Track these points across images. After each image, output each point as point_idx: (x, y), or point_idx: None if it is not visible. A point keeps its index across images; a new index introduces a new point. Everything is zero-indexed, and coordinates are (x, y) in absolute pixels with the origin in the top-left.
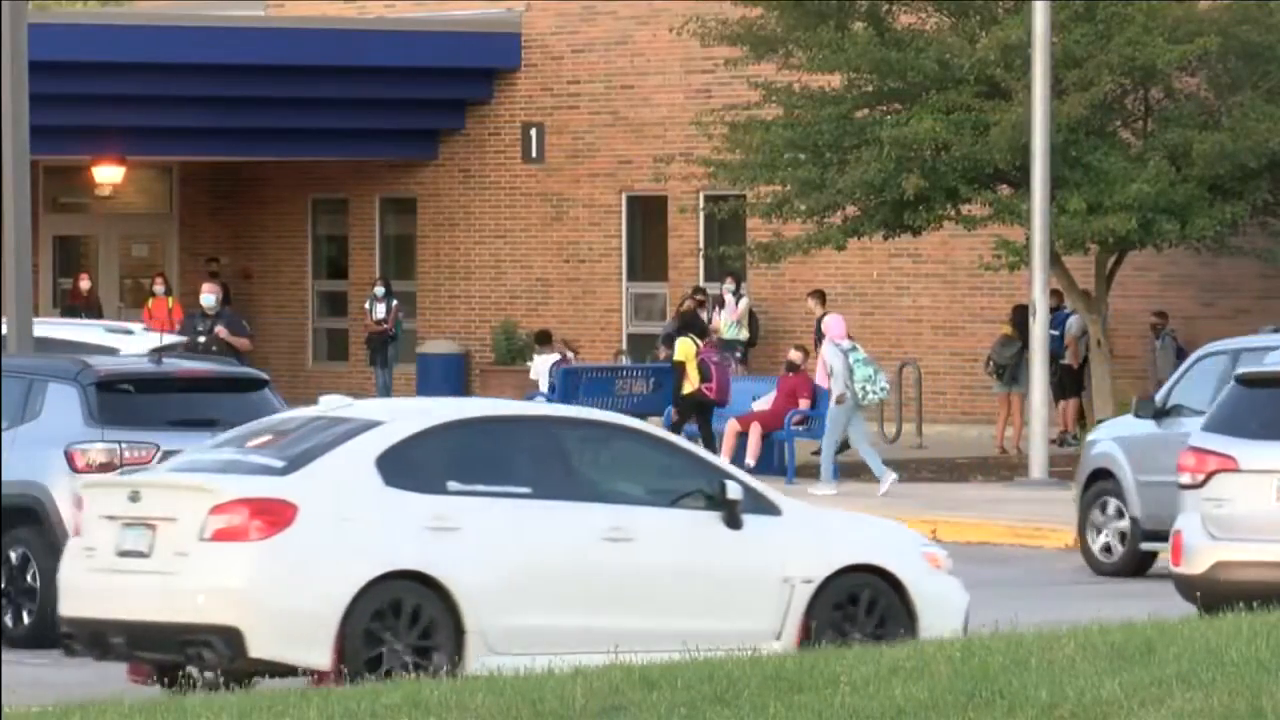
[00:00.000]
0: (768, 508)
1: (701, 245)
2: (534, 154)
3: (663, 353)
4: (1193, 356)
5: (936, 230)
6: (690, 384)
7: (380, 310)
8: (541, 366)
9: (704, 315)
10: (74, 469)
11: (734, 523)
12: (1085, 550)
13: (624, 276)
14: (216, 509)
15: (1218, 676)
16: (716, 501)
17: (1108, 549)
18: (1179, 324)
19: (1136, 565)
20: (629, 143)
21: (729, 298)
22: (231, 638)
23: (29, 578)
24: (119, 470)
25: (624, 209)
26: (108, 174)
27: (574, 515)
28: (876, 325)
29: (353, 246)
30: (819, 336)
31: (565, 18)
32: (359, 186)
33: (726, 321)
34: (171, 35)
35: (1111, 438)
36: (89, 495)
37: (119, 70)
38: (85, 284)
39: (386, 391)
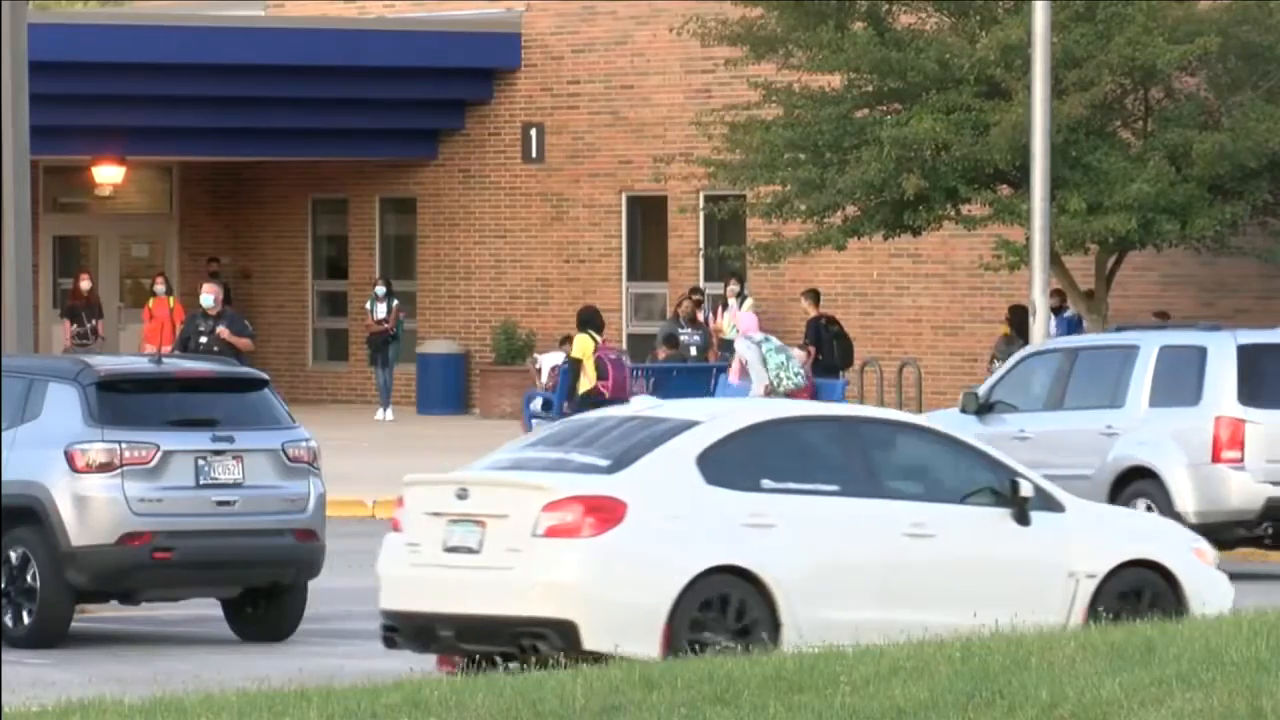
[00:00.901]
0: (1053, 505)
1: (701, 245)
2: (534, 154)
3: (662, 353)
4: (1018, 355)
5: (936, 230)
6: (587, 381)
7: (381, 310)
8: (546, 363)
9: (701, 315)
10: (74, 469)
11: (1024, 519)
12: None
13: (624, 276)
14: (550, 506)
15: (1218, 676)
16: (1005, 498)
17: None
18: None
19: None
20: (629, 143)
21: (732, 300)
22: (567, 631)
23: (29, 578)
24: (118, 470)
25: (624, 209)
26: (108, 174)
27: (878, 512)
28: (876, 325)
29: (353, 246)
30: (809, 336)
31: (565, 18)
32: (359, 186)
33: (729, 323)
34: (171, 35)
35: None
36: (410, 493)
37: (119, 70)
38: (85, 284)
39: (386, 392)
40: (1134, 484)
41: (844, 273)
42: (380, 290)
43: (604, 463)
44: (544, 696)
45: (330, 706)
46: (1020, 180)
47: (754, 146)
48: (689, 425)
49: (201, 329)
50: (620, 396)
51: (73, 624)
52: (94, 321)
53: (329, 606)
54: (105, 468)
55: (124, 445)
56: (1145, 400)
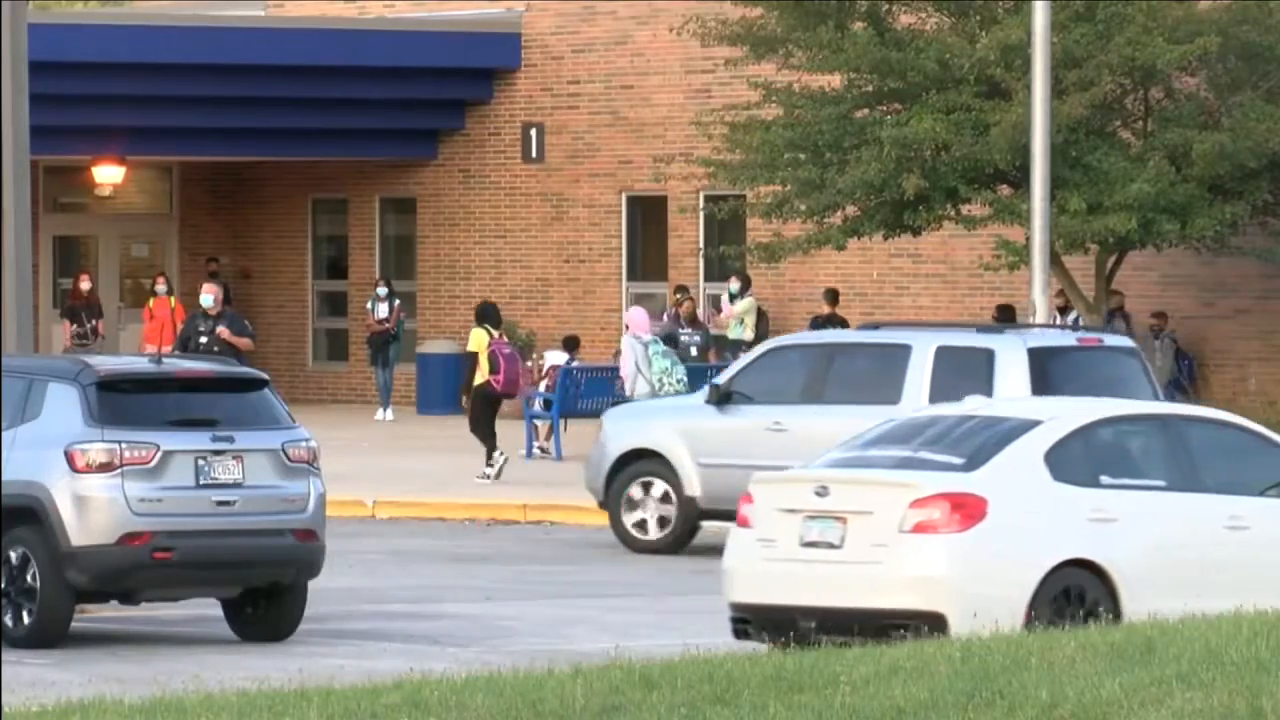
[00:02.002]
0: None
1: (701, 245)
2: (534, 154)
3: None
4: (758, 349)
5: (936, 230)
6: (480, 374)
7: (383, 310)
8: (546, 362)
9: (701, 314)
10: (74, 469)
11: None
12: (616, 525)
13: (624, 276)
14: (917, 503)
15: (1218, 676)
16: None
17: (642, 525)
18: (1179, 324)
19: (678, 542)
20: (629, 143)
21: (725, 298)
22: (935, 622)
23: (29, 578)
24: (118, 470)
25: (624, 209)
26: (108, 174)
27: (1201, 506)
28: None
29: (353, 246)
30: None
31: (565, 18)
32: (359, 186)
33: (732, 321)
34: (171, 35)
35: (663, 423)
36: (760, 490)
37: (119, 70)
38: (85, 284)
39: (387, 391)
40: None
41: (844, 273)
42: (382, 290)
43: (959, 460)
44: (544, 696)
45: (330, 706)
46: (1020, 180)
47: (754, 146)
48: (1033, 424)
49: (201, 329)
50: (510, 391)
51: (73, 624)
52: (94, 321)
53: (329, 606)
54: (105, 468)
55: (124, 445)
56: (925, 398)
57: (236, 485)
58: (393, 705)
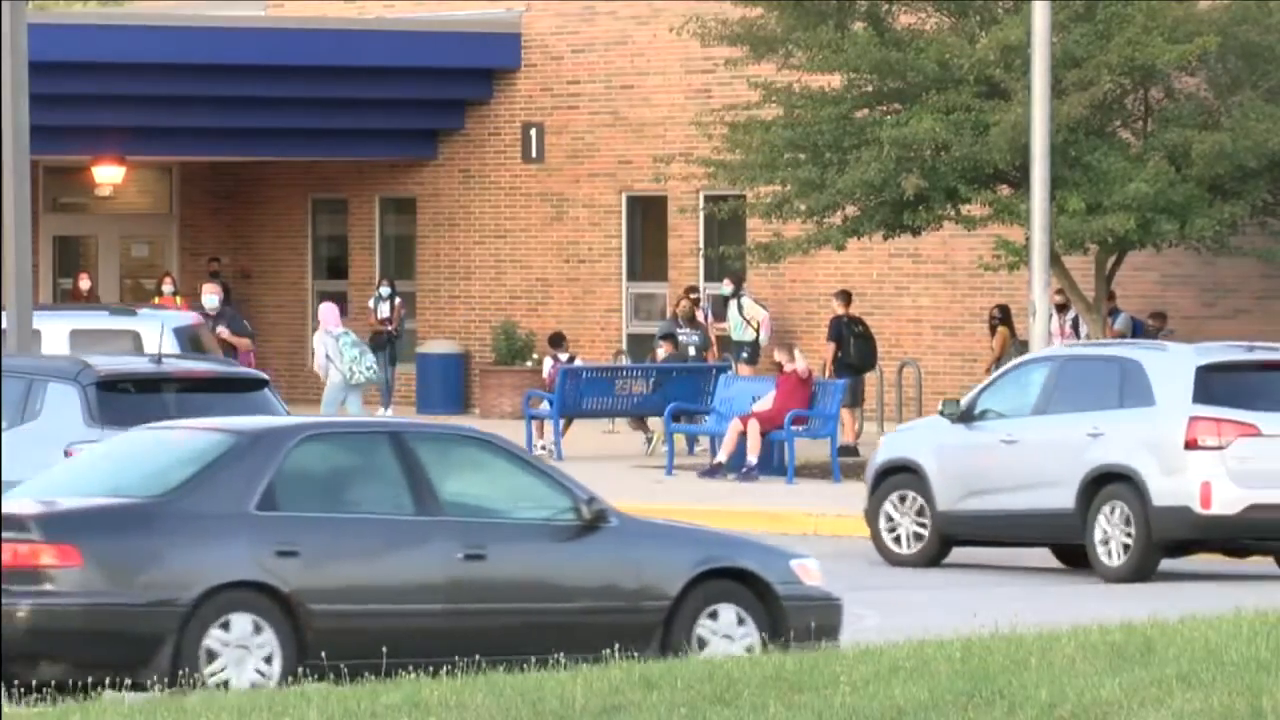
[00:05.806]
0: None
1: (701, 245)
2: (534, 154)
3: (661, 351)
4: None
5: (936, 230)
6: None
7: (385, 309)
8: (546, 363)
9: (700, 315)
10: None
11: None
12: None
13: (624, 276)
14: None
15: (1218, 676)
16: None
17: None
18: (1179, 324)
19: None
20: (629, 143)
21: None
22: None
23: None
24: None
25: (624, 209)
26: (108, 174)
27: None
28: (877, 325)
29: (353, 246)
30: (831, 334)
31: (565, 18)
32: (359, 186)
33: (736, 322)
34: (171, 35)
35: None
36: None
37: (119, 70)
38: (85, 284)
39: (387, 390)
40: None
41: (844, 273)
42: (384, 290)
43: None
44: (544, 696)
45: (330, 706)
46: (1020, 180)
47: (754, 146)
48: None
49: None
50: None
51: None
52: None
53: None
54: None
55: None
56: None
57: None
58: (393, 705)
